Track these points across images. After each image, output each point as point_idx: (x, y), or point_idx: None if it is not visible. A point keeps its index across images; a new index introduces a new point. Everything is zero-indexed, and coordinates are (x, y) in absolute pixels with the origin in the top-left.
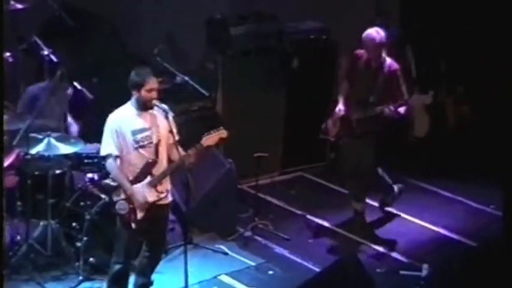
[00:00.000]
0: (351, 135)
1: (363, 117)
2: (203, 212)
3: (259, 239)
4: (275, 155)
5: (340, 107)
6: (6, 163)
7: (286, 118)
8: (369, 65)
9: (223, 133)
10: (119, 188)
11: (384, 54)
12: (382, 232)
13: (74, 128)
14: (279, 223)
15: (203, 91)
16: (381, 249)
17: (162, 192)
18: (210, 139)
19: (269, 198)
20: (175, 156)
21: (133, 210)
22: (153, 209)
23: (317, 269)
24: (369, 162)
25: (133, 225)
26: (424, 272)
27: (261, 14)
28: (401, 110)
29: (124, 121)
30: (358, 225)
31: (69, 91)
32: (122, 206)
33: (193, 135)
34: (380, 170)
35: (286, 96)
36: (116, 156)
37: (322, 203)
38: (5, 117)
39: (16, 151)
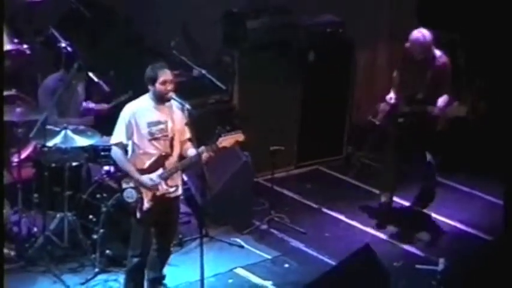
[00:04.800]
0: (395, 125)
1: (410, 112)
2: (219, 205)
3: (275, 232)
4: (291, 149)
5: (392, 96)
6: (23, 155)
7: (302, 111)
8: (418, 61)
9: (240, 136)
10: (128, 175)
11: (432, 50)
12: None
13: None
14: (295, 216)
15: (220, 84)
16: (397, 242)
17: (171, 187)
18: (226, 141)
19: (285, 192)
20: (189, 152)
21: (140, 200)
22: (161, 201)
23: (333, 263)
24: (407, 153)
25: (138, 215)
26: (441, 266)
27: (277, 7)
28: (447, 108)
29: (140, 112)
30: (383, 215)
31: (80, 87)
32: (129, 194)
33: (209, 129)
34: (429, 157)
35: (302, 90)
36: (125, 146)
37: (338, 197)
38: (22, 109)
39: (33, 143)
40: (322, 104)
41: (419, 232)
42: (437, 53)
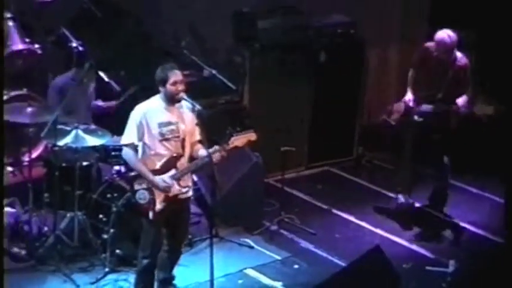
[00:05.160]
0: (413, 125)
1: (429, 112)
2: (229, 205)
3: (285, 233)
4: (301, 149)
5: (410, 97)
6: (34, 155)
7: (313, 112)
8: (439, 61)
9: (252, 136)
10: (141, 177)
11: (455, 51)
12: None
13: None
14: (305, 217)
15: (230, 84)
16: (407, 244)
17: (184, 187)
18: (238, 140)
19: (295, 193)
20: (200, 152)
21: (152, 201)
22: (173, 202)
23: (343, 264)
24: (424, 155)
25: (151, 216)
26: (451, 268)
27: (288, 7)
28: (471, 107)
29: (151, 113)
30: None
31: (91, 87)
32: (141, 196)
33: (219, 129)
34: (445, 158)
35: (313, 90)
36: (136, 147)
37: (348, 198)
38: (33, 109)
39: (44, 143)
40: (333, 104)
41: (442, 232)
42: (458, 54)
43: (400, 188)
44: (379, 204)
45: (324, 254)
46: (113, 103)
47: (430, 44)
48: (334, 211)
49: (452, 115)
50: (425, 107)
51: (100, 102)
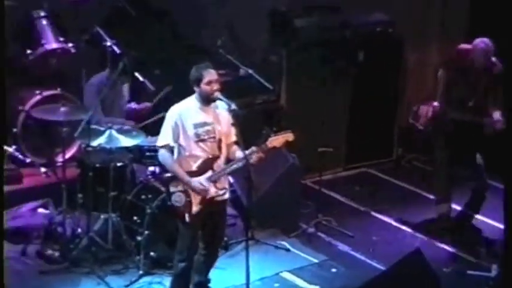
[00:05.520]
0: (442, 132)
1: (459, 119)
2: (265, 207)
3: (322, 235)
4: (339, 150)
5: (438, 102)
6: (67, 155)
7: (351, 112)
8: (474, 67)
9: (290, 136)
10: (176, 179)
11: (492, 58)
12: None
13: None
14: (343, 220)
15: (267, 84)
16: (448, 247)
17: (221, 189)
18: (276, 141)
19: (333, 194)
20: (236, 154)
21: (189, 203)
22: (210, 204)
23: (381, 267)
24: (458, 162)
25: (187, 219)
26: (493, 273)
27: (325, 5)
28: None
29: (186, 113)
30: (441, 228)
31: (125, 87)
32: (178, 198)
33: (255, 130)
34: (479, 159)
35: (352, 90)
36: (171, 148)
37: (387, 200)
38: (66, 108)
39: (77, 143)
40: (371, 104)
41: (477, 243)
42: (494, 60)
43: (439, 194)
44: (419, 207)
45: (362, 257)
46: (148, 105)
47: (465, 46)
48: (373, 213)
49: (487, 128)
50: (456, 115)
51: (134, 105)
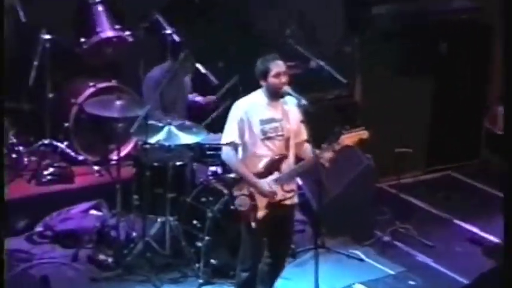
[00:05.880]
0: None
1: None
2: (337, 212)
3: (399, 245)
4: (420, 151)
5: None
6: (122, 153)
7: (433, 109)
8: None
9: (364, 134)
10: (240, 181)
11: None
12: None
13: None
14: (423, 228)
15: (340, 78)
16: None
17: (288, 192)
18: (349, 139)
19: (412, 200)
20: (306, 152)
21: (254, 208)
22: (277, 208)
23: (464, 281)
24: None
25: (253, 224)
26: None
27: None
28: None
29: (253, 109)
30: None
31: (188, 79)
32: (242, 202)
33: (326, 128)
34: None
35: (433, 85)
36: (237, 146)
37: (472, 207)
38: (122, 102)
39: (134, 140)
40: (456, 101)
41: None
42: None
43: None
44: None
45: (443, 270)
46: (212, 98)
47: None
48: (456, 221)
49: None
50: None
51: (198, 97)
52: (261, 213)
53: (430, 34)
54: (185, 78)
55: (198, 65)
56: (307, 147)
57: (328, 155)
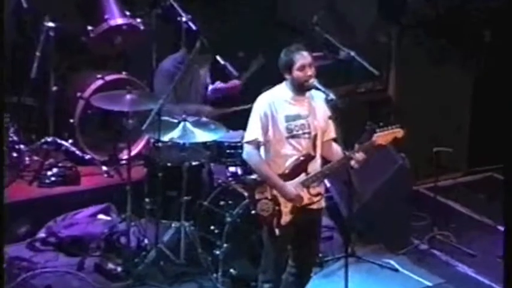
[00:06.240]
0: None
1: None
2: (368, 217)
3: (437, 253)
4: (459, 150)
5: None
6: (133, 152)
7: (475, 105)
8: None
9: (399, 132)
10: (263, 184)
11: None
12: None
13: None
14: (463, 235)
15: (372, 69)
16: None
17: (315, 195)
18: (382, 137)
19: (451, 204)
20: (335, 153)
21: (278, 213)
22: (303, 213)
23: None
24: None
25: (276, 231)
26: None
27: None
28: None
29: (277, 104)
30: None
31: (203, 71)
32: (265, 206)
33: (357, 125)
34: None
35: (476, 78)
36: (259, 144)
37: None
38: (133, 96)
39: (145, 137)
40: (500, 95)
41: None
42: None
43: None
44: None
45: (486, 281)
46: (237, 82)
47: None
48: (500, 227)
49: None
50: None
51: (220, 84)
52: (285, 219)
53: (471, 21)
54: (201, 71)
55: (216, 56)
56: (336, 146)
57: (359, 156)
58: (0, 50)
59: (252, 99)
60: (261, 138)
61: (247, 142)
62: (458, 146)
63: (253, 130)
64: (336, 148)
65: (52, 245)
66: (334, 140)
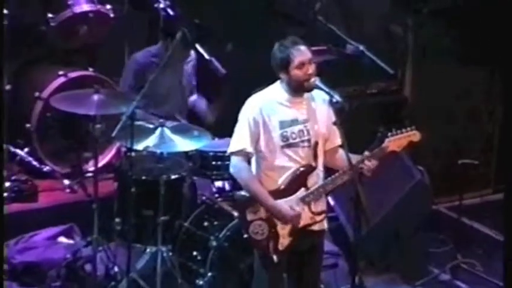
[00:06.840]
0: None
1: None
2: (380, 242)
3: (461, 285)
4: (487, 164)
5: None
6: (101, 162)
7: (506, 109)
8: None
9: (415, 135)
10: (255, 202)
11: None
12: None
13: (201, 104)
14: (491, 262)
15: (385, 66)
16: None
17: (318, 214)
18: (396, 142)
19: (477, 226)
20: (340, 162)
21: (275, 236)
22: (303, 235)
23: None
24: None
25: (274, 258)
26: None
27: None
28: None
29: (270, 108)
30: None
31: (191, 61)
32: (258, 229)
33: (368, 130)
34: None
35: (506, 77)
36: (249, 156)
37: None
38: (101, 97)
39: (116, 146)
40: None
41: None
42: None
43: None
44: None
45: None
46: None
47: None
48: None
49: None
50: None
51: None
52: (283, 243)
53: (499, 12)
54: (185, 66)
55: (200, 49)
56: (342, 154)
57: (369, 164)
58: (0, 48)
59: (241, 103)
60: (249, 149)
61: (233, 153)
62: (486, 158)
63: (240, 139)
64: (342, 156)
65: (3, 273)
66: (340, 146)
